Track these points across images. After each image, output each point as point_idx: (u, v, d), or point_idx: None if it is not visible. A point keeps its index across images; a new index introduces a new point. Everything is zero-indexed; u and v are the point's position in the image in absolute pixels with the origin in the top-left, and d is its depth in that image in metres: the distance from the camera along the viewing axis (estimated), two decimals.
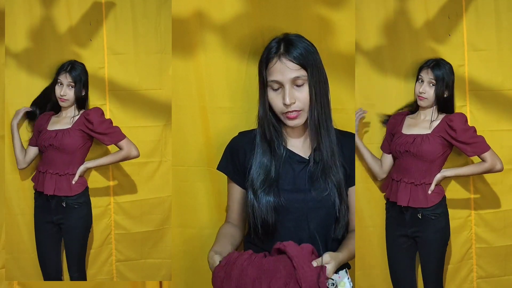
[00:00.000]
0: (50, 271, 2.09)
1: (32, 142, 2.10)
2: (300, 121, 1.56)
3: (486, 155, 1.89)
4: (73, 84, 2.06)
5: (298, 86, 1.53)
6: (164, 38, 2.11)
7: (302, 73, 1.52)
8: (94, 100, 2.12)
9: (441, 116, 1.98)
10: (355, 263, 1.89)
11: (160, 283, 2.00)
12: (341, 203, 1.58)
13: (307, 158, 1.62)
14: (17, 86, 2.05)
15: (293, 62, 1.52)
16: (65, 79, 2.05)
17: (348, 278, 1.59)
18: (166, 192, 2.15)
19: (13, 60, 2.04)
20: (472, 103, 2.02)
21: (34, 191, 2.10)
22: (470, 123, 1.98)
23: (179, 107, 1.90)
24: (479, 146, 1.90)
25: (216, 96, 1.89)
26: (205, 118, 1.89)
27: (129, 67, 2.13)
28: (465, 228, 2.07)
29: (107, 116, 2.12)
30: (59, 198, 2.04)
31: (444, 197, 1.97)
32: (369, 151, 2.04)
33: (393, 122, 2.03)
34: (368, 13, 1.99)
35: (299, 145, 1.64)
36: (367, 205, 2.06)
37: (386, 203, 2.07)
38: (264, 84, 1.57)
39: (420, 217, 1.93)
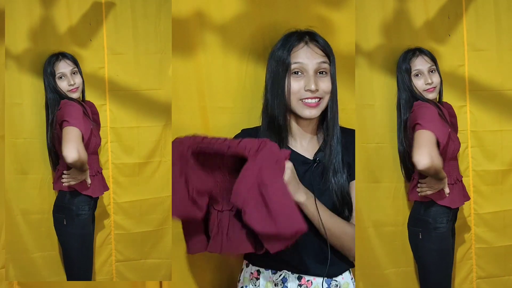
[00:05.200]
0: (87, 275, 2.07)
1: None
2: (317, 112, 1.53)
3: None
4: (76, 69, 2.02)
5: (320, 74, 1.52)
6: (164, 38, 2.11)
7: (327, 60, 1.52)
8: (94, 100, 2.12)
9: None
10: (355, 263, 1.89)
11: (160, 283, 2.00)
12: (343, 206, 1.54)
13: (311, 159, 1.58)
14: (17, 86, 2.05)
15: (320, 49, 1.52)
16: (67, 67, 2.01)
17: (352, 279, 1.59)
18: (166, 192, 2.15)
19: (13, 60, 2.03)
20: (472, 103, 2.02)
21: (86, 202, 2.03)
22: (470, 123, 2.03)
23: (179, 107, 1.90)
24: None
25: (216, 96, 1.89)
26: (205, 118, 1.89)
27: (129, 67, 2.13)
28: (465, 228, 2.07)
29: (108, 116, 2.13)
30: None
31: None
32: None
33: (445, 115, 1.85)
34: (368, 13, 1.99)
35: (304, 145, 1.60)
36: (366, 205, 2.06)
37: (439, 218, 1.85)
38: (284, 70, 1.52)
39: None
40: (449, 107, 1.96)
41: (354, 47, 1.86)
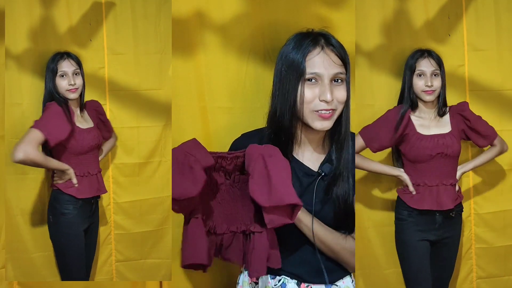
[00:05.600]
0: (78, 276, 2.04)
1: (59, 136, 1.90)
2: (329, 124, 1.40)
3: (496, 141, 1.93)
4: (78, 70, 2.02)
5: (335, 82, 1.39)
6: (164, 38, 2.11)
7: (343, 70, 1.40)
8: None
9: (446, 108, 1.95)
10: (355, 263, 1.88)
11: (160, 283, 2.00)
12: (347, 219, 1.47)
13: (315, 171, 1.48)
14: (17, 86, 2.05)
15: (337, 56, 1.39)
16: (70, 67, 2.00)
17: (353, 282, 1.56)
18: (166, 192, 2.16)
19: (13, 60, 2.03)
20: (472, 103, 2.02)
21: (70, 201, 2.01)
22: None
23: (179, 107, 1.90)
24: (491, 134, 1.92)
25: (216, 96, 1.89)
26: (205, 118, 1.89)
27: (129, 67, 2.13)
28: (465, 228, 2.07)
29: (108, 116, 2.13)
30: (97, 197, 2.07)
31: None
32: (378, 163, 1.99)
33: (406, 123, 1.92)
34: (368, 13, 1.99)
35: (308, 155, 1.50)
36: (366, 205, 2.06)
37: (400, 209, 1.97)
38: (297, 76, 1.39)
39: (453, 215, 1.91)
40: (461, 110, 1.93)
41: (354, 47, 1.86)
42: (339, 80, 1.40)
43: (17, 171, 2.08)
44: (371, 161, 1.97)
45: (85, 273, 2.07)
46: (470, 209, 2.07)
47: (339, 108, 1.41)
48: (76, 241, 2.01)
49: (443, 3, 2.02)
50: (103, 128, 2.10)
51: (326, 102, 1.37)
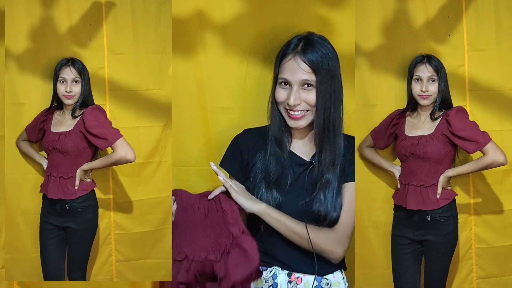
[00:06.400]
0: (52, 275, 2.06)
1: (30, 135, 2.07)
2: (303, 122, 1.54)
3: (487, 148, 1.84)
4: (78, 78, 2.04)
5: (307, 87, 1.51)
6: (164, 38, 2.11)
7: (312, 77, 1.50)
8: (94, 100, 2.12)
9: (441, 113, 1.96)
10: (355, 263, 1.89)
11: (160, 283, 2.00)
12: (334, 209, 1.54)
13: (308, 161, 1.59)
14: (17, 86, 2.05)
15: (306, 64, 1.50)
16: (69, 74, 2.03)
17: (344, 278, 1.59)
18: (166, 192, 2.15)
19: (13, 60, 2.04)
20: (472, 103, 2.02)
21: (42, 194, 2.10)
22: None
23: (179, 107, 1.91)
24: (478, 140, 1.85)
25: (216, 96, 1.89)
26: (205, 118, 1.90)
27: (129, 67, 2.13)
28: (465, 228, 2.07)
29: (108, 116, 2.11)
30: (63, 201, 2.03)
31: (454, 200, 1.95)
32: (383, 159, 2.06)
33: (396, 123, 2.01)
34: (368, 13, 1.99)
35: (301, 147, 1.61)
36: (366, 205, 2.06)
37: (394, 206, 2.04)
38: (275, 79, 1.57)
39: (429, 219, 1.91)
40: (447, 114, 1.92)
41: (354, 47, 1.86)
42: (310, 85, 1.50)
43: (17, 171, 2.08)
44: (375, 153, 2.06)
45: (57, 271, 2.07)
46: (470, 209, 2.07)
47: (313, 110, 1.53)
48: (42, 232, 2.08)
49: (443, 3, 2.02)
50: (93, 137, 2.01)
51: (289, 105, 1.50)
